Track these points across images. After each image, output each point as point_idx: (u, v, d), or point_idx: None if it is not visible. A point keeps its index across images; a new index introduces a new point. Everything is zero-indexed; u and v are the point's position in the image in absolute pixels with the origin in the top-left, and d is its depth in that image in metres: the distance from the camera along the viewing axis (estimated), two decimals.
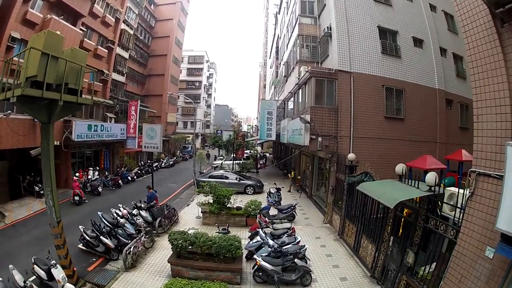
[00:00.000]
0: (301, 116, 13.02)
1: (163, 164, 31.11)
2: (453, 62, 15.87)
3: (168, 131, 38.30)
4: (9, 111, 14.37)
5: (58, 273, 6.97)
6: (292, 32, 19.20)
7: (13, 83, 6.42)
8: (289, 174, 21.79)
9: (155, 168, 26.90)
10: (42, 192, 15.66)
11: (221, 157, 33.07)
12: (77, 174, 18.41)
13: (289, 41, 20.87)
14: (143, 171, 25.38)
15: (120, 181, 20.33)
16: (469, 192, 4.75)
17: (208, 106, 71.99)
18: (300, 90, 15.67)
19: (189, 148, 44.07)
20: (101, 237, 9.29)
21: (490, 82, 4.30)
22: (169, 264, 8.30)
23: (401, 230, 6.74)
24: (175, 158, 36.14)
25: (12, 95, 6.12)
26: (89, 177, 18.96)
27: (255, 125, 37.51)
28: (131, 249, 8.69)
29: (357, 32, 13.43)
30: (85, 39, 20.20)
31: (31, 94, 6.06)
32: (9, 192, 15.80)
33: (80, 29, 19.35)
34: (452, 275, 4.92)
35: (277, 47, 32.26)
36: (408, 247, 6.03)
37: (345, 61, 12.94)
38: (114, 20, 23.51)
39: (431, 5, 15.86)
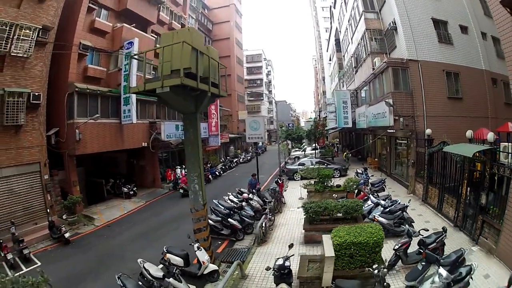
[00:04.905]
0: (386, 100, 15.18)
1: (241, 159, 32.53)
2: (492, 44, 16.63)
3: (240, 128, 39.13)
4: (97, 115, 14.03)
5: (203, 255, 7.08)
6: (356, 26, 21.06)
7: (161, 75, 6.40)
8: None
9: (235, 163, 29.67)
10: (132, 192, 16.91)
11: (296, 149, 35.24)
12: (179, 170, 19.90)
13: (353, 35, 22.64)
14: (227, 166, 26.93)
15: (210, 176, 21.69)
16: None
17: (270, 103, 74.42)
18: (377, 79, 17.81)
19: (260, 144, 44.88)
20: (229, 219, 9.80)
21: None
22: (300, 232, 9.31)
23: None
24: (250, 154, 37.31)
25: (161, 85, 6.21)
26: (178, 175, 19.64)
27: (323, 117, 38.94)
28: (263, 224, 9.29)
29: (417, 24, 15.35)
30: (157, 44, 20.12)
31: (188, 84, 6.27)
32: (87, 197, 15.69)
33: (151, 35, 20.27)
34: None
35: (337, 40, 32.76)
36: (481, 191, 8.20)
37: (412, 51, 14.93)
38: (180, 26, 24.43)
39: None
